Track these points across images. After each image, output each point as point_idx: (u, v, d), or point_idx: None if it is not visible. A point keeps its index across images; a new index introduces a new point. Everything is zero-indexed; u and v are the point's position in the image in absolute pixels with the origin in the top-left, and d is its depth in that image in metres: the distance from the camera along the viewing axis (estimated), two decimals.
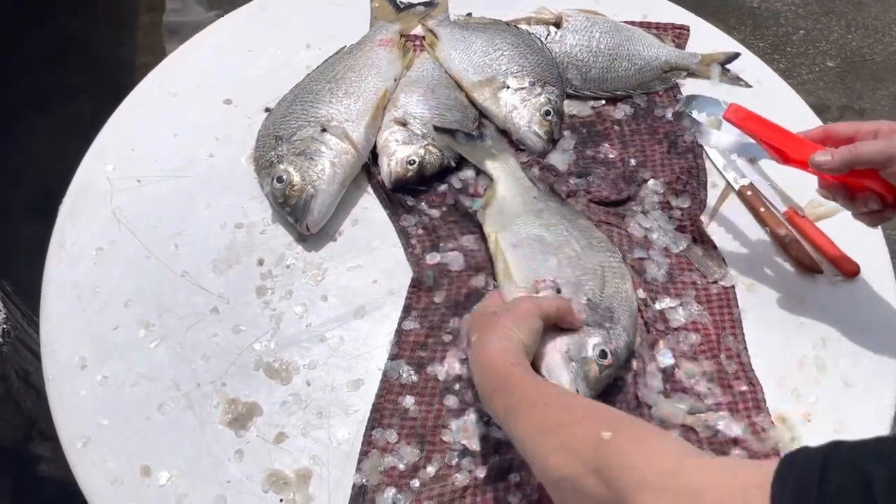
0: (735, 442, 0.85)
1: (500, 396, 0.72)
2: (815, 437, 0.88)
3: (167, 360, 0.90)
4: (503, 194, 1.02)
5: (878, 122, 0.83)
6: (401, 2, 1.26)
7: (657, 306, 0.95)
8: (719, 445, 0.85)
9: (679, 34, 1.25)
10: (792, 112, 1.19)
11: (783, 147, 0.86)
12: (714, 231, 1.04)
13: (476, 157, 1.06)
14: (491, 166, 1.06)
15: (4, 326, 1.20)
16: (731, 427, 0.85)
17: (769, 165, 1.10)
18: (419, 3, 1.26)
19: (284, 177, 0.99)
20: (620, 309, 0.89)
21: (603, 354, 0.83)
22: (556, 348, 0.84)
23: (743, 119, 0.88)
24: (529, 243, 0.95)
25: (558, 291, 0.89)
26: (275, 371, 0.90)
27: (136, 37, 2.44)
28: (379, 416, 0.87)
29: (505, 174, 1.04)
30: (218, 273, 0.97)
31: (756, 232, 1.05)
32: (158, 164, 1.07)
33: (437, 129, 1.06)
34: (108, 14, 2.45)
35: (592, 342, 0.84)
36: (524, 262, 0.93)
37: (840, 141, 0.84)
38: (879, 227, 1.03)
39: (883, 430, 0.89)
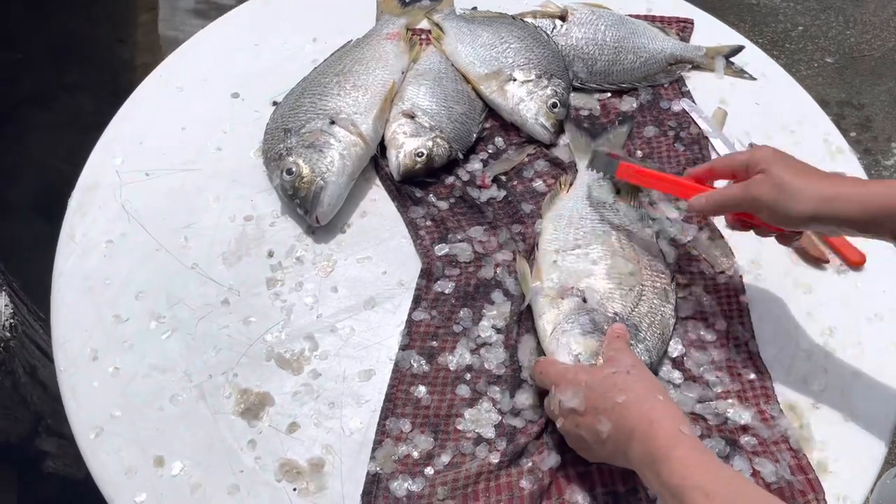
0: (744, 429, 0.86)
1: (658, 467, 0.67)
2: (823, 424, 0.89)
3: (179, 351, 0.91)
4: (576, 192, 1.02)
5: (754, 150, 0.83)
6: None
7: None
8: (729, 433, 0.85)
9: (683, 27, 1.26)
10: (796, 104, 1.20)
11: (672, 192, 0.92)
12: (721, 222, 1.04)
13: (578, 145, 1.08)
14: (582, 161, 1.06)
15: (12, 321, 1.20)
16: (740, 415, 0.86)
17: None
18: None
19: (294, 169, 0.99)
20: (650, 329, 0.89)
21: None
22: (570, 349, 0.84)
23: (632, 176, 0.94)
24: (573, 249, 0.95)
25: (584, 301, 0.89)
26: (286, 361, 0.90)
27: (136, 35, 2.44)
28: (392, 406, 0.87)
29: (590, 174, 1.04)
30: (228, 265, 0.98)
31: None
32: (167, 158, 1.07)
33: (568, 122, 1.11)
34: (107, 13, 2.45)
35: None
36: (560, 267, 0.93)
37: (723, 174, 0.87)
38: None
39: (890, 418, 0.90)
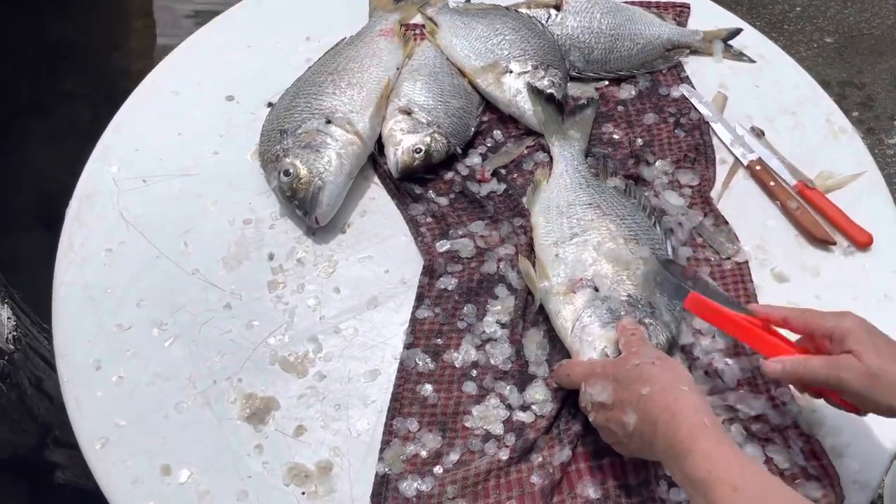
0: (756, 417, 0.85)
1: (685, 460, 0.65)
2: (835, 410, 0.86)
3: (182, 358, 0.90)
4: (557, 180, 1.01)
5: (839, 318, 0.75)
6: None
7: None
8: (739, 423, 0.84)
9: (680, 12, 1.25)
10: (797, 85, 1.19)
11: (742, 339, 0.82)
12: (725, 207, 1.03)
13: (549, 129, 1.07)
14: (556, 145, 1.05)
15: (15, 334, 1.20)
16: (751, 405, 0.84)
17: (777, 140, 1.10)
18: None
19: (291, 170, 0.98)
20: (662, 304, 0.88)
21: None
22: (594, 345, 0.84)
23: (701, 311, 0.82)
24: (571, 238, 0.94)
25: (596, 290, 0.88)
26: (290, 365, 0.90)
27: (130, 42, 2.43)
28: (399, 406, 0.86)
29: (565, 159, 1.03)
30: (229, 269, 0.97)
31: (767, 206, 1.04)
32: (163, 164, 1.06)
33: (531, 87, 1.07)
34: (102, 20, 2.45)
35: None
36: (563, 259, 0.92)
37: (796, 329, 0.79)
38: (889, 194, 1.03)
39: None
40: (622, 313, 0.86)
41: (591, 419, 0.78)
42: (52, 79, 2.20)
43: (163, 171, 1.06)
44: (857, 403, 0.74)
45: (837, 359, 0.73)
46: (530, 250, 0.98)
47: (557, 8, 1.19)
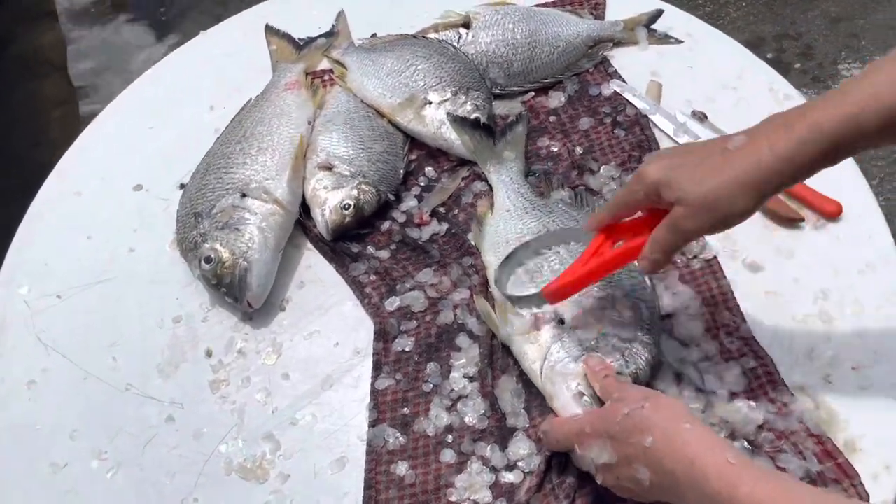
0: (759, 428, 0.78)
1: None
2: (840, 399, 0.81)
3: (129, 487, 0.82)
4: (500, 209, 0.95)
5: (641, 179, 0.71)
6: (300, 39, 1.18)
7: None
8: (743, 436, 0.77)
9: (596, 5, 1.19)
10: (731, 57, 1.13)
11: (611, 272, 0.78)
12: None
13: (482, 155, 1.01)
14: (492, 171, 0.99)
15: None
16: (750, 416, 0.77)
17: (721, 120, 1.04)
18: (319, 36, 1.18)
19: (212, 255, 0.90)
20: (641, 317, 0.82)
21: None
22: (567, 385, 0.77)
23: (563, 294, 0.78)
24: (527, 274, 0.86)
25: (561, 322, 0.82)
26: (248, 471, 0.82)
27: (51, 132, 2.34)
28: (374, 493, 0.79)
29: (504, 184, 0.97)
30: (165, 377, 0.89)
31: None
32: (77, 274, 0.98)
33: (453, 117, 1.01)
34: (17, 117, 2.35)
35: None
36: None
37: (630, 214, 0.76)
38: (853, 158, 0.97)
39: None
40: (593, 342, 0.79)
41: (599, 481, 0.71)
42: None
43: (77, 282, 0.97)
44: (720, 229, 0.70)
45: (672, 216, 0.69)
46: (486, 290, 0.91)
47: (466, 26, 1.12)
